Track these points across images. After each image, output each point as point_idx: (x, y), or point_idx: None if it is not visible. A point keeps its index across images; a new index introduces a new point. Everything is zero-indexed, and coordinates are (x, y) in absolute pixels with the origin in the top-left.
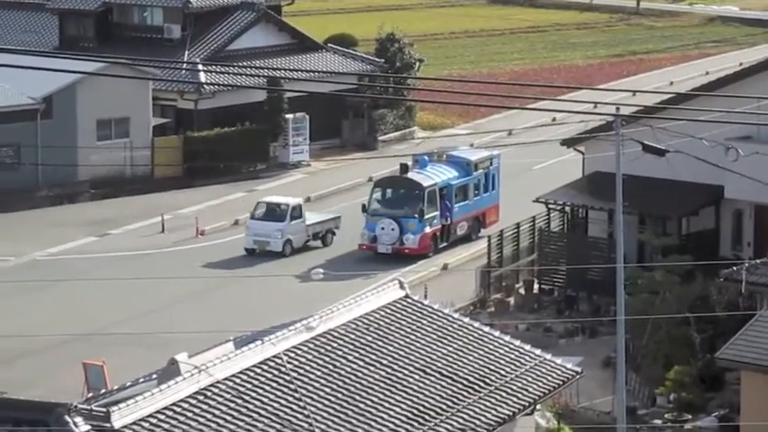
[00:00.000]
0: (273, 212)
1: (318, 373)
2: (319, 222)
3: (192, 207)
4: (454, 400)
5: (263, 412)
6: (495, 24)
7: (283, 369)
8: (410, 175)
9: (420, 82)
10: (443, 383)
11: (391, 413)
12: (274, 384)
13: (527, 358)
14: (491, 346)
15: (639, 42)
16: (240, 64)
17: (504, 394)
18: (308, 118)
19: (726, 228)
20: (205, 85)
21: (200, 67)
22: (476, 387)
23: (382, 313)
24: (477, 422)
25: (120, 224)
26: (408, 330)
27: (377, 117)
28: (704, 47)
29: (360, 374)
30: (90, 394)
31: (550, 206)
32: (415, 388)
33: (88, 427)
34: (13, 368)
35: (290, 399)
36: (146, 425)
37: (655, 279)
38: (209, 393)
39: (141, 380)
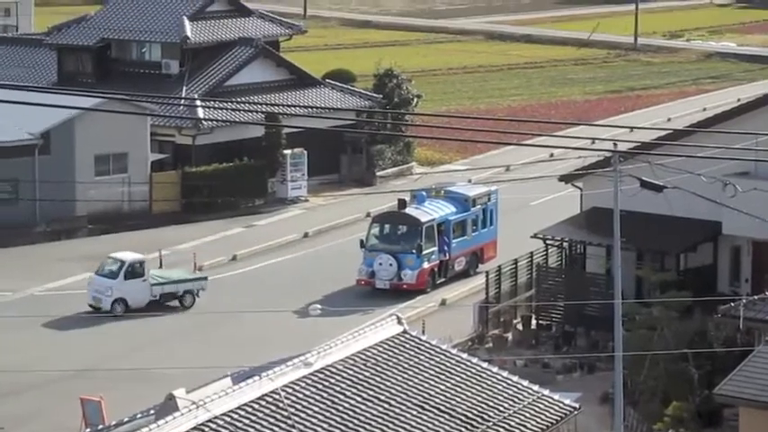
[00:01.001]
0: (111, 269)
1: (316, 409)
2: (173, 282)
3: (190, 242)
4: None
5: None
6: (493, 60)
7: (281, 405)
8: (408, 210)
9: (418, 118)
10: (441, 419)
11: None
12: (272, 420)
13: (525, 394)
14: (489, 382)
15: (637, 78)
16: (238, 99)
17: (502, 430)
18: (306, 153)
19: (724, 264)
20: (203, 121)
21: (198, 102)
22: (474, 423)
23: (380, 349)
24: None
25: None
26: (406, 366)
27: (375, 153)
28: (702, 83)
29: (358, 410)
30: (88, 430)
31: (548, 242)
32: (413, 424)
33: None
34: (12, 403)
35: None
36: None
37: (653, 315)
38: (206, 429)
39: (139, 415)
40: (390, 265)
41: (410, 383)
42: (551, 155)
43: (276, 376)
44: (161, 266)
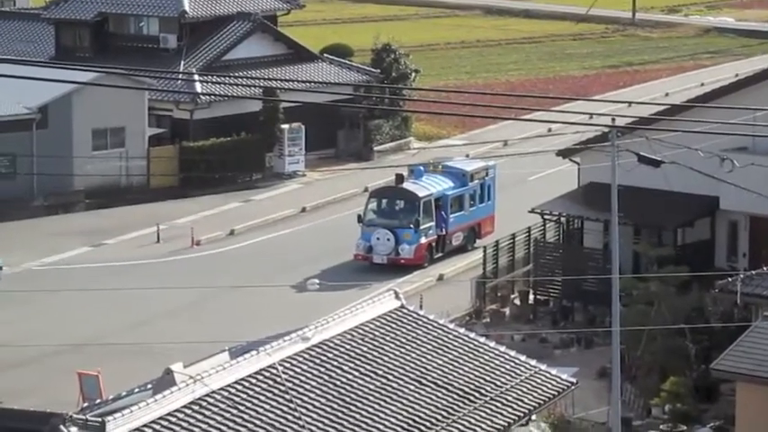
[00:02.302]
0: None
1: (313, 384)
2: None
3: (188, 217)
4: (449, 410)
5: (258, 422)
6: (491, 35)
7: (278, 379)
8: (406, 185)
9: (416, 92)
10: (438, 394)
11: (386, 424)
12: (269, 395)
13: (522, 369)
14: (486, 357)
15: (635, 53)
16: (236, 74)
17: (499, 405)
18: (303, 128)
19: (721, 239)
20: (201, 96)
21: (196, 77)
22: (471, 398)
23: (377, 324)
24: None
25: (116, 234)
26: (403, 341)
27: (373, 127)
28: (700, 58)
29: (355, 385)
30: (85, 404)
31: (546, 217)
32: (411, 399)
33: None
34: (8, 378)
35: (285, 409)
36: None
37: (650, 290)
38: (204, 403)
39: (136, 390)
40: (388, 239)
41: (407, 358)
42: (549, 130)
43: (273, 351)
44: (158, 241)
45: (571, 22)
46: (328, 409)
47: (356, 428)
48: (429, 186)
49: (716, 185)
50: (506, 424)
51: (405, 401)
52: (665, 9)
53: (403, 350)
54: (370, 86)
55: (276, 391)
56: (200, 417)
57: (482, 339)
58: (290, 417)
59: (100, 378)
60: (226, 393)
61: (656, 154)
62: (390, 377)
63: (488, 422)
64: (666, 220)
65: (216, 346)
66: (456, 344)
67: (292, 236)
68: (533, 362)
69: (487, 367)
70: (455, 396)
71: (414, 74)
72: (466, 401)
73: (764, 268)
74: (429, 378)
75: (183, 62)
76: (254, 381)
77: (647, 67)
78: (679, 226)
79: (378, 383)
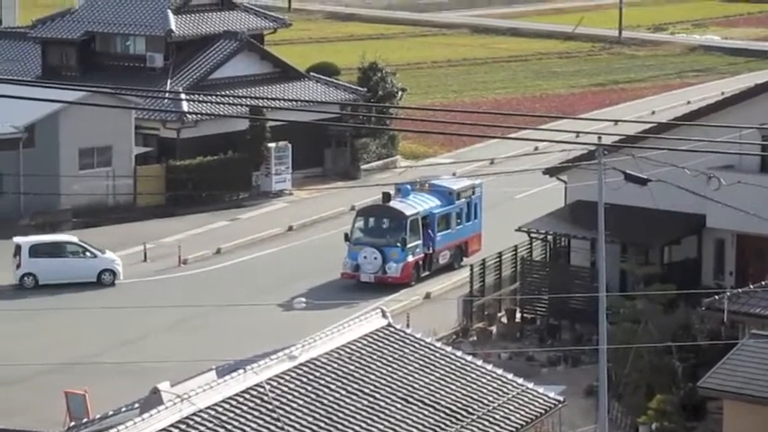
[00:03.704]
0: None
1: (301, 402)
2: None
3: (175, 236)
4: (436, 429)
5: None
6: (478, 53)
7: (266, 398)
8: (393, 204)
9: (403, 111)
10: (425, 413)
11: None
12: (257, 413)
13: (509, 387)
14: (473, 376)
15: (621, 72)
16: (223, 93)
17: (486, 423)
18: (290, 147)
19: (708, 257)
20: (188, 114)
21: (182, 96)
22: (458, 416)
23: (364, 342)
24: None
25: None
26: (391, 359)
27: (359, 146)
28: (686, 76)
29: (342, 403)
30: (72, 423)
31: (533, 235)
32: (398, 417)
33: None
34: None
35: (273, 428)
36: None
37: (637, 308)
38: (191, 422)
39: (123, 409)
40: (375, 258)
41: (394, 377)
42: (536, 148)
43: (261, 370)
44: (145, 260)
45: (558, 41)
46: (315, 428)
47: None
48: (416, 205)
49: (702, 203)
50: None
51: (392, 420)
52: (651, 27)
53: (390, 368)
54: (356, 105)
55: (263, 410)
56: None
57: (469, 358)
58: None
59: (87, 397)
60: (213, 412)
61: (642, 172)
62: (377, 395)
63: None
64: (653, 238)
65: (203, 364)
66: (443, 362)
67: (279, 254)
68: (520, 380)
69: (474, 386)
70: (442, 414)
71: (400, 92)
72: (453, 420)
73: (751, 286)
74: (416, 396)
75: (169, 81)
76: (241, 399)
77: (633, 85)
78: (666, 244)
79: (365, 402)
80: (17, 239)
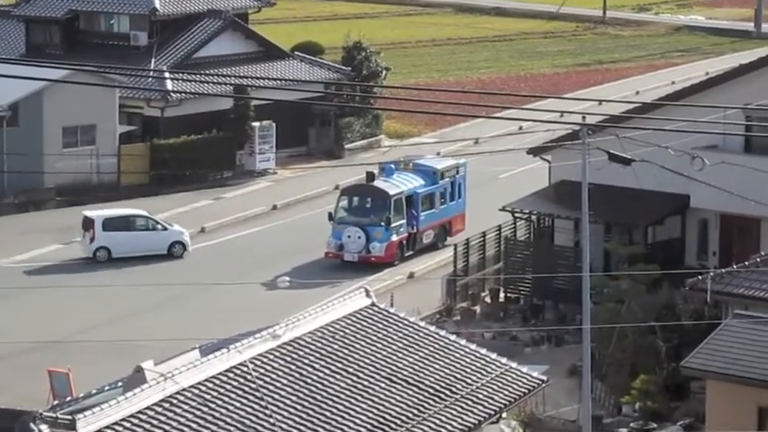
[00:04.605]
0: None
1: (284, 381)
2: None
3: (159, 215)
4: (420, 408)
5: (228, 420)
6: (462, 33)
7: (249, 377)
8: (376, 183)
9: (387, 90)
10: (409, 392)
11: (357, 421)
12: (240, 392)
13: (493, 367)
14: (457, 355)
15: (606, 51)
16: (207, 72)
17: (469, 403)
18: (274, 126)
19: (691, 237)
20: (172, 93)
21: (166, 74)
22: (442, 396)
23: (348, 321)
24: (443, 431)
25: None
26: (374, 339)
27: (343, 125)
28: (670, 56)
29: (326, 383)
30: (55, 402)
31: (516, 215)
32: (381, 396)
33: None
34: None
35: (256, 407)
36: None
37: (620, 288)
38: (174, 401)
39: (107, 387)
40: (359, 237)
41: (378, 356)
42: (520, 128)
43: (244, 349)
44: None
45: (542, 21)
46: (299, 407)
47: (326, 426)
48: (400, 184)
49: (686, 183)
50: (477, 422)
51: (375, 399)
52: (635, 7)
53: (373, 348)
54: (341, 84)
55: (247, 389)
56: (170, 414)
57: (452, 337)
58: (260, 414)
59: (70, 376)
60: (196, 391)
61: (626, 152)
62: (361, 375)
63: (459, 420)
64: (637, 218)
65: (187, 343)
66: (426, 342)
67: (263, 233)
68: (504, 360)
69: (458, 365)
70: (425, 394)
71: (385, 72)
72: (436, 399)
73: (734, 266)
74: (399, 376)
75: (153, 60)
76: (224, 378)
77: (617, 65)
78: (649, 224)
79: (348, 381)
80: (88, 213)
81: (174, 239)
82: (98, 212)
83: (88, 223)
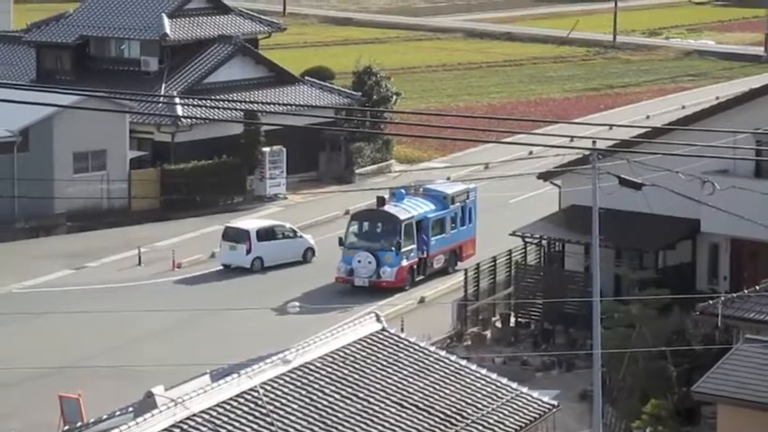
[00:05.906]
0: None
1: (295, 407)
2: None
3: (169, 240)
4: None
5: None
6: (473, 58)
7: (260, 402)
8: (387, 208)
9: (397, 115)
10: (420, 417)
11: None
12: (251, 417)
13: (503, 392)
14: (467, 380)
15: (616, 76)
16: (217, 97)
17: (480, 428)
18: (284, 151)
19: (702, 261)
20: (182, 118)
21: (177, 100)
22: (452, 421)
23: (359, 346)
24: None
25: (97, 257)
26: (385, 364)
27: (354, 150)
28: (681, 81)
29: (336, 408)
30: (66, 427)
31: (527, 239)
32: (392, 421)
33: None
34: None
35: None
36: None
37: (631, 313)
38: (185, 426)
39: (117, 413)
40: (369, 262)
41: (389, 381)
42: (530, 152)
43: (255, 374)
44: (140, 264)
45: (552, 45)
46: None
47: None
48: (410, 209)
49: (697, 208)
50: None
51: (386, 424)
52: (645, 32)
53: (384, 373)
54: (351, 109)
55: (257, 414)
56: None
57: (463, 362)
58: None
59: (81, 401)
60: (207, 416)
61: (637, 177)
62: (371, 400)
63: None
64: (647, 242)
65: (197, 368)
66: (437, 367)
67: None
68: (514, 384)
69: (469, 390)
70: (436, 419)
71: (395, 97)
72: (447, 424)
73: (745, 291)
74: (410, 401)
75: (164, 85)
76: (235, 404)
77: (628, 89)
78: (660, 249)
79: (359, 406)
80: (238, 224)
81: (308, 246)
82: (249, 224)
83: (241, 235)
